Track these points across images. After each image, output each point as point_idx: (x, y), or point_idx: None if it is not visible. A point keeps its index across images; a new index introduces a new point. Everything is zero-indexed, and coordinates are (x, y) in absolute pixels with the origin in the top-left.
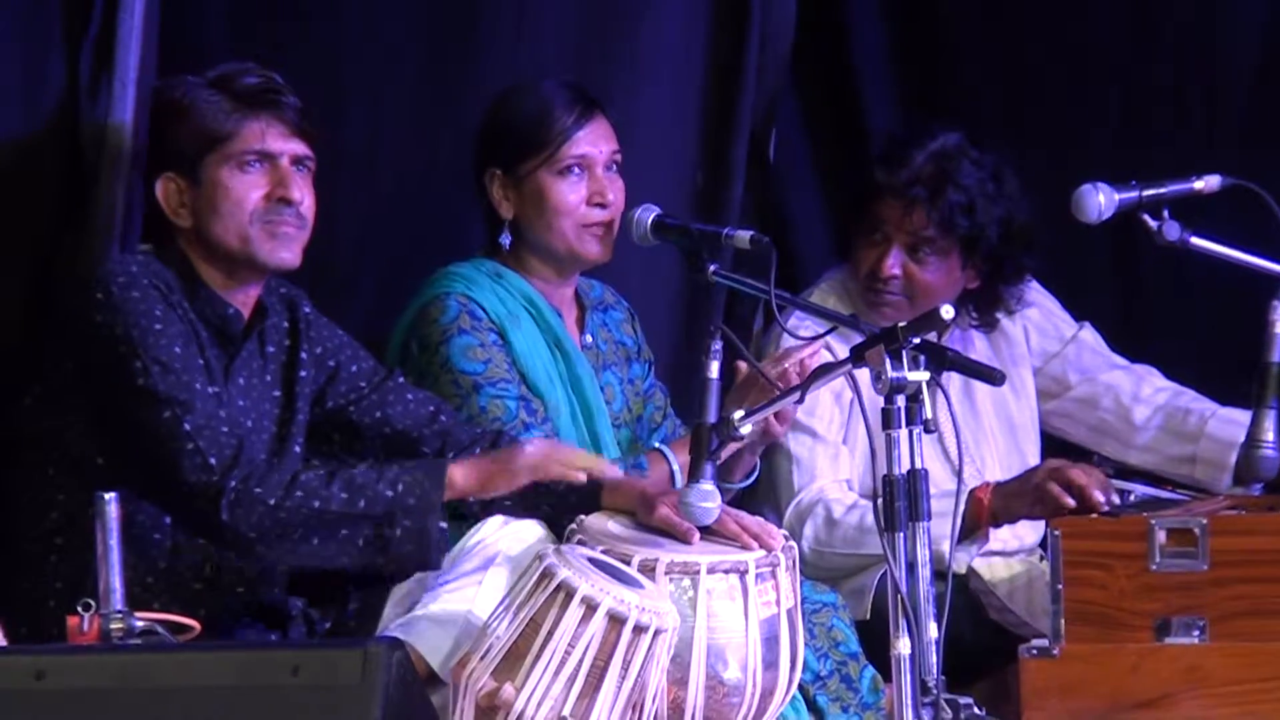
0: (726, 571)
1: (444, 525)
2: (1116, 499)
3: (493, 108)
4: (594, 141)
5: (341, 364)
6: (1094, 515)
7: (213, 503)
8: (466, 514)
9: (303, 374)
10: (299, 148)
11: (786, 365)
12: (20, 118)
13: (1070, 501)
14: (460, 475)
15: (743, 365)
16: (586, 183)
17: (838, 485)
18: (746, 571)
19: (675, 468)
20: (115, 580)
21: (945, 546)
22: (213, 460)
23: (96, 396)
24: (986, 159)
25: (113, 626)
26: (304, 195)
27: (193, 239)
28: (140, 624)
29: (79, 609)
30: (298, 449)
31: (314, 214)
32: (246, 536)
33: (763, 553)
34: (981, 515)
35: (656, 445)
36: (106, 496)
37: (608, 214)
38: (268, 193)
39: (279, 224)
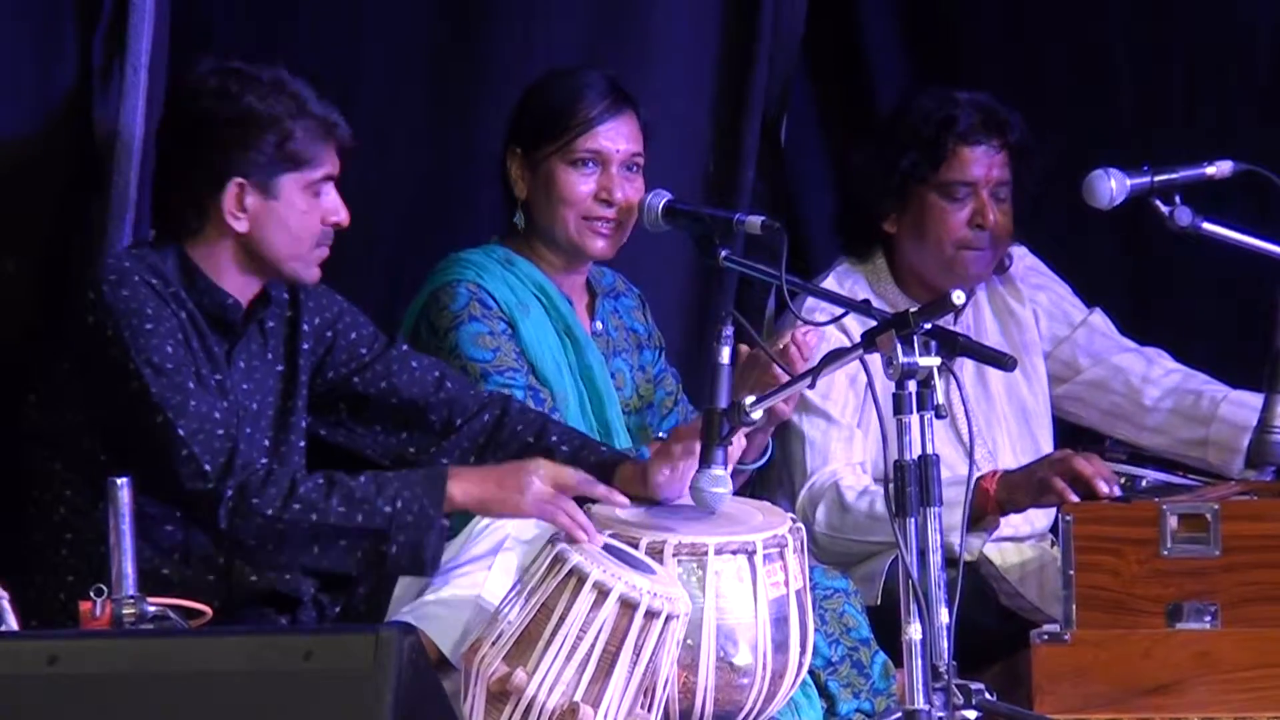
0: (734, 552)
1: (445, 524)
2: (1118, 490)
3: (529, 87)
4: (613, 138)
5: (340, 332)
6: (1105, 500)
7: (211, 511)
8: None
9: (304, 346)
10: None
11: (784, 343)
12: (33, 105)
13: (1073, 496)
14: (460, 491)
15: (745, 348)
16: (598, 177)
17: (851, 469)
18: (754, 552)
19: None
20: (127, 565)
21: (956, 534)
22: (207, 467)
23: (93, 397)
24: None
25: (125, 612)
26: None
27: (231, 239)
28: (152, 609)
29: (91, 594)
30: (303, 424)
31: None
32: (247, 545)
33: (771, 533)
34: (987, 505)
35: (658, 435)
36: (118, 481)
37: (612, 212)
38: (323, 217)
39: (325, 248)
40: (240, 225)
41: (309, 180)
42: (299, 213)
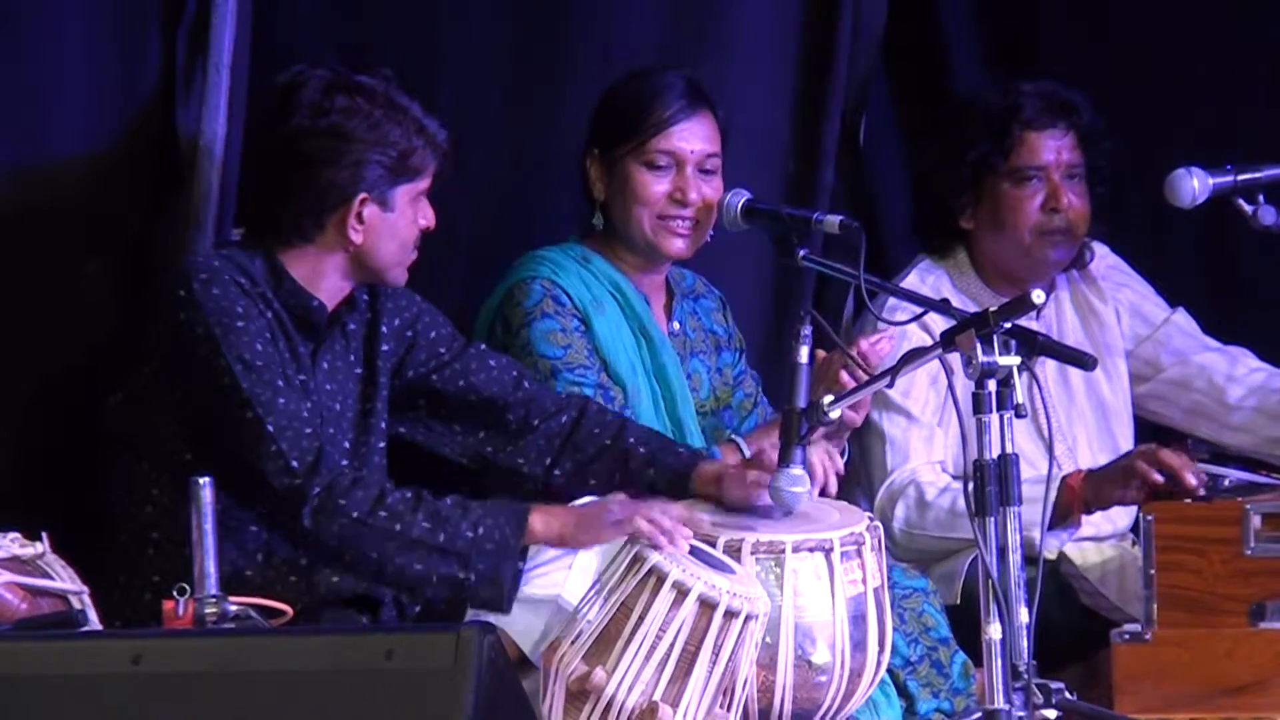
0: (811, 550)
1: (521, 565)
2: (1205, 478)
3: (607, 89)
4: (688, 139)
5: (419, 332)
6: (1188, 500)
7: (296, 508)
8: (556, 496)
9: (385, 348)
10: None
11: (855, 350)
12: (117, 104)
13: (1157, 477)
14: (541, 524)
15: (821, 352)
16: (672, 178)
17: (930, 467)
18: (831, 550)
19: (748, 457)
20: (210, 564)
21: (1036, 532)
22: (295, 464)
23: (181, 395)
24: None
25: (207, 611)
26: None
27: (342, 250)
28: (234, 608)
29: (174, 593)
30: (383, 425)
31: None
32: (328, 545)
33: (847, 531)
34: (1074, 503)
35: (731, 436)
36: (201, 480)
37: (688, 211)
38: (419, 225)
39: (416, 252)
40: (357, 237)
41: (418, 190)
42: (408, 222)
